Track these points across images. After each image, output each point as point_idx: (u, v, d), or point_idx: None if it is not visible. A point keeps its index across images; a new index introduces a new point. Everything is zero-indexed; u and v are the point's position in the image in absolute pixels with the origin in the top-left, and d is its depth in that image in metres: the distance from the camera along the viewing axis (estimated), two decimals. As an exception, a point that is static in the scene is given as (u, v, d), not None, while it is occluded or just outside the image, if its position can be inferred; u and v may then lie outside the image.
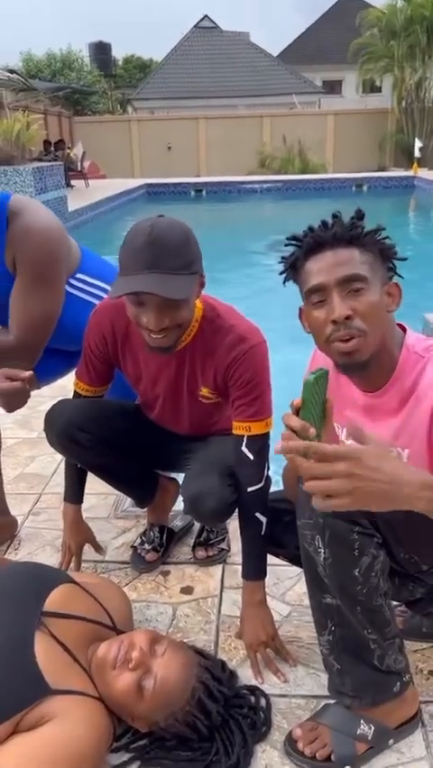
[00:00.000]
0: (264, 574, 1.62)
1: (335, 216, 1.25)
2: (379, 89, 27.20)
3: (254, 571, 1.62)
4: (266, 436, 1.59)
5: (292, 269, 1.29)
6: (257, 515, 1.57)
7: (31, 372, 1.59)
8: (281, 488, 1.53)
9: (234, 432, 1.59)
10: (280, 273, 1.32)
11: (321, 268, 1.21)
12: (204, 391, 1.67)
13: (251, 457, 1.57)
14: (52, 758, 1.17)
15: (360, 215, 1.24)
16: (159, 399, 1.76)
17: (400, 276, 1.28)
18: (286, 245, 1.30)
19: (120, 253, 1.40)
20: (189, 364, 1.63)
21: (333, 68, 30.80)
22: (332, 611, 1.27)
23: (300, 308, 1.30)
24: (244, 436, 1.57)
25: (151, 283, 1.34)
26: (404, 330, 1.30)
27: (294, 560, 1.53)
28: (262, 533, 1.58)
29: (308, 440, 1.16)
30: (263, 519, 1.57)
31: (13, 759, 1.16)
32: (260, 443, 1.58)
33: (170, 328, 1.43)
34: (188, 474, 1.70)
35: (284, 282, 1.34)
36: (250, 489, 1.57)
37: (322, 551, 1.20)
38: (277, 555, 1.62)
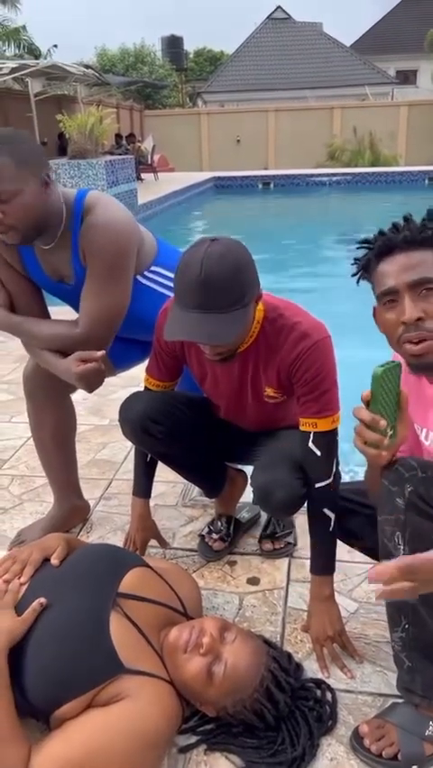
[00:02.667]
0: (333, 570, 1.62)
1: (406, 219, 1.26)
2: (456, 79, 26.35)
3: (323, 567, 1.62)
4: (333, 432, 1.59)
5: (365, 270, 1.31)
6: (325, 510, 1.57)
7: (103, 352, 1.65)
8: (360, 478, 1.52)
9: (301, 428, 1.59)
10: (353, 275, 1.34)
11: (393, 270, 1.23)
12: (269, 391, 1.68)
13: (318, 453, 1.57)
14: (124, 734, 1.21)
15: (431, 216, 1.25)
16: (224, 400, 1.78)
17: None
18: (358, 248, 1.32)
19: (174, 280, 1.43)
20: (253, 366, 1.65)
21: (408, 57, 30.03)
22: (407, 609, 1.26)
23: (374, 308, 1.32)
24: (310, 433, 1.58)
25: (200, 331, 1.38)
26: None
27: (370, 551, 1.53)
28: (331, 528, 1.58)
29: (380, 432, 1.16)
30: (332, 515, 1.57)
31: (87, 731, 1.21)
32: (327, 440, 1.58)
33: (224, 352, 1.51)
34: (258, 465, 1.72)
35: (357, 282, 1.36)
36: (318, 485, 1.57)
37: (402, 548, 1.19)
38: (352, 546, 1.62)
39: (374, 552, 1.36)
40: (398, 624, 1.30)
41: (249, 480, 1.82)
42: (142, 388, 1.86)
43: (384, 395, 1.16)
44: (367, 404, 1.16)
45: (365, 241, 1.30)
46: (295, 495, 1.58)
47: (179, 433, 1.75)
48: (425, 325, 1.19)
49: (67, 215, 1.69)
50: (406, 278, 1.20)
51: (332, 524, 1.57)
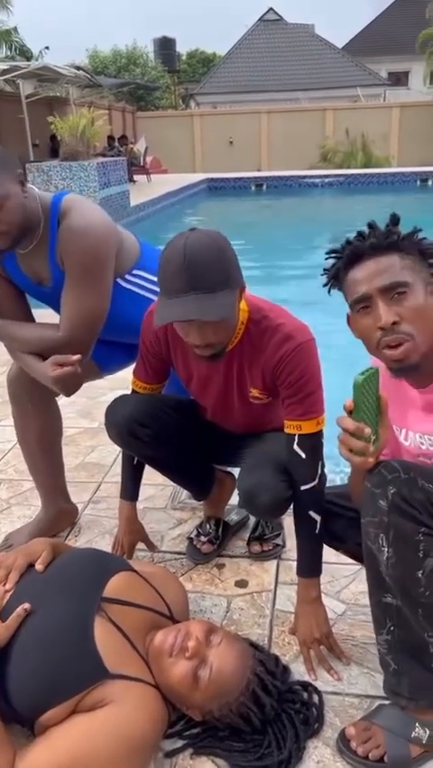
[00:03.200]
0: (319, 572, 1.62)
1: (370, 226, 1.27)
2: (448, 81, 26.42)
3: (309, 569, 1.62)
4: (318, 435, 1.59)
5: (335, 279, 1.33)
6: (311, 513, 1.57)
7: (79, 356, 1.64)
8: (344, 482, 1.52)
9: (286, 431, 1.60)
10: (324, 285, 1.35)
11: (363, 277, 1.24)
12: (254, 392, 1.68)
13: (303, 455, 1.57)
14: (109, 739, 1.21)
15: (395, 221, 1.27)
16: (210, 401, 1.78)
17: None
18: (326, 258, 1.33)
19: (158, 274, 1.43)
20: (238, 366, 1.65)
21: (399, 59, 30.14)
22: (392, 611, 1.26)
23: (348, 315, 1.33)
24: (295, 435, 1.57)
25: (190, 308, 1.36)
26: None
27: (355, 555, 1.53)
28: (317, 531, 1.58)
29: (364, 439, 1.17)
30: (317, 518, 1.57)
31: (72, 737, 1.21)
32: (312, 442, 1.58)
33: (215, 343, 1.47)
34: (244, 468, 1.72)
35: (329, 292, 1.37)
36: (303, 488, 1.57)
37: (385, 550, 1.19)
38: (337, 549, 1.62)
39: (359, 555, 1.36)
40: (383, 626, 1.29)
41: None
42: (130, 391, 1.86)
43: (366, 402, 1.17)
44: (350, 413, 1.17)
45: (333, 251, 1.32)
46: (280, 498, 1.58)
47: (166, 435, 1.75)
48: (401, 329, 1.21)
49: (44, 218, 1.69)
50: (377, 284, 1.22)
51: (318, 526, 1.57)
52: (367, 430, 1.16)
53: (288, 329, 1.56)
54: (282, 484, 1.58)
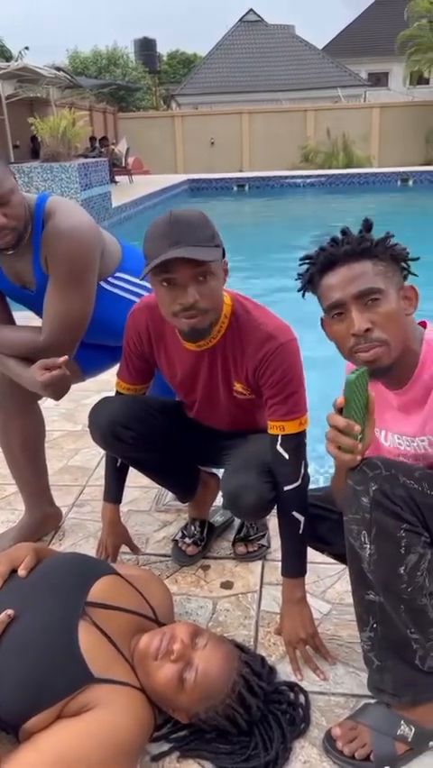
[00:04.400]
0: (304, 572, 1.62)
1: (344, 232, 1.29)
2: (427, 81, 26.65)
3: (294, 569, 1.62)
4: (301, 435, 1.59)
5: (309, 284, 1.34)
6: (294, 513, 1.58)
7: (65, 357, 1.63)
8: (327, 484, 1.53)
9: (270, 431, 1.60)
10: (298, 290, 1.37)
11: (337, 284, 1.26)
12: (237, 386, 1.68)
13: (286, 456, 1.57)
14: (95, 743, 1.20)
15: (368, 227, 1.29)
16: (196, 398, 1.77)
17: (414, 275, 1.32)
18: (300, 264, 1.34)
19: (144, 247, 1.45)
20: (222, 360, 1.65)
21: (379, 60, 30.30)
22: (374, 608, 1.27)
23: (322, 319, 1.35)
24: (278, 436, 1.58)
25: (177, 252, 1.37)
26: (424, 326, 1.34)
27: (339, 557, 1.53)
28: (301, 531, 1.58)
29: (353, 437, 1.18)
30: (301, 518, 1.57)
31: (57, 743, 1.19)
32: (295, 442, 1.58)
33: (201, 309, 1.45)
34: (228, 470, 1.72)
35: (303, 296, 1.39)
36: (287, 488, 1.57)
37: (368, 546, 1.20)
38: (322, 552, 1.63)
39: (343, 557, 1.37)
40: (366, 624, 1.30)
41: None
42: (114, 393, 1.85)
43: (356, 400, 1.18)
44: (340, 410, 1.18)
45: (307, 257, 1.33)
46: (264, 499, 1.58)
47: (149, 437, 1.74)
48: (373, 336, 1.23)
49: (29, 220, 1.68)
50: (351, 291, 1.23)
51: (302, 526, 1.57)
52: (357, 427, 1.18)
53: (270, 328, 1.57)
54: (266, 485, 1.58)
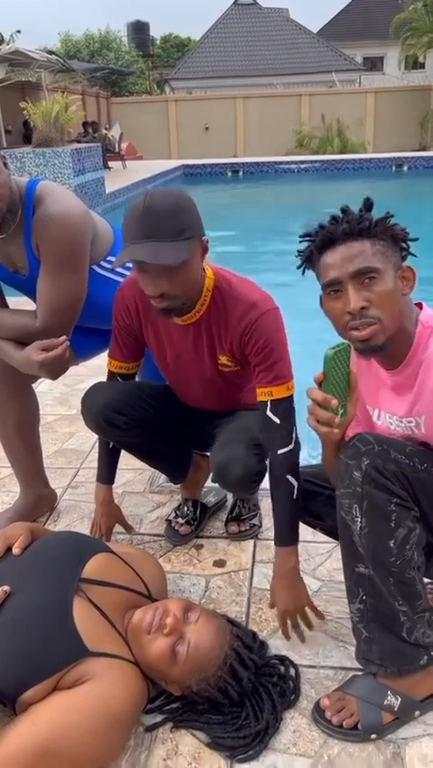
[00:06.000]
0: (297, 539, 1.60)
1: (344, 210, 1.29)
2: (422, 66, 26.54)
3: (287, 537, 1.59)
4: (290, 399, 1.62)
5: (308, 261, 1.35)
6: (288, 477, 1.58)
7: (64, 337, 1.65)
8: (318, 461, 1.55)
9: (259, 399, 1.63)
10: (298, 267, 1.38)
11: (335, 262, 1.27)
12: (222, 359, 1.71)
13: (277, 421, 1.60)
14: (89, 714, 1.23)
15: (368, 206, 1.29)
16: (183, 374, 1.80)
17: (413, 255, 1.33)
18: (300, 241, 1.35)
19: (122, 225, 1.48)
20: (207, 333, 1.68)
21: (374, 44, 30.10)
22: (364, 581, 1.30)
23: (320, 296, 1.36)
24: (267, 401, 1.61)
25: (142, 252, 1.40)
26: (421, 307, 1.35)
27: (331, 533, 1.56)
28: (294, 496, 1.57)
29: (332, 411, 1.21)
30: (295, 482, 1.57)
31: (53, 712, 1.23)
32: (284, 406, 1.61)
33: (170, 295, 1.49)
34: (216, 445, 1.74)
35: (303, 273, 1.40)
36: (281, 452, 1.59)
37: (358, 520, 1.23)
38: (315, 527, 1.65)
39: (335, 532, 1.40)
40: (356, 596, 1.34)
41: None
42: (106, 373, 1.87)
43: (335, 375, 1.21)
44: (320, 385, 1.21)
45: (306, 234, 1.34)
46: (251, 471, 1.62)
47: (142, 422, 1.77)
48: (369, 313, 1.24)
49: (18, 203, 1.69)
50: (348, 269, 1.24)
51: (295, 491, 1.57)
52: (334, 401, 1.21)
53: (253, 297, 1.62)
54: (254, 457, 1.62)
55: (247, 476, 1.62)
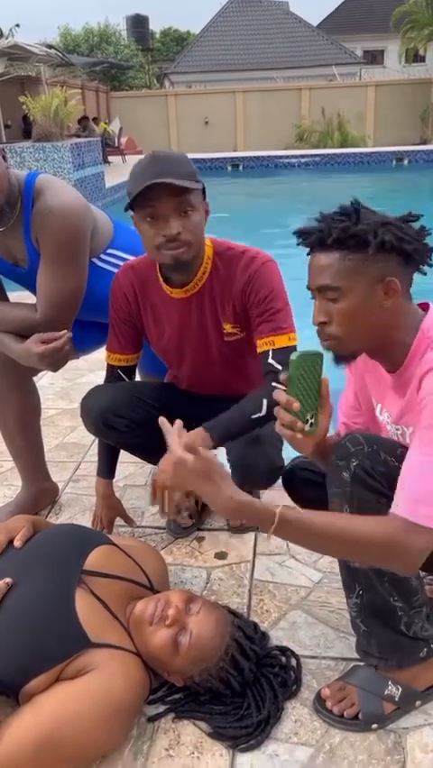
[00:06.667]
0: (219, 436, 1.58)
1: (319, 219, 1.22)
2: (422, 59, 26.41)
3: (214, 424, 1.57)
4: (292, 349, 1.62)
5: None
6: (264, 399, 1.55)
7: (65, 331, 1.66)
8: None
9: (259, 350, 1.64)
10: (307, 255, 1.32)
11: (310, 270, 1.25)
12: (227, 327, 1.71)
13: (280, 368, 1.59)
14: (91, 704, 1.24)
15: (349, 212, 1.20)
16: (186, 354, 1.79)
17: (422, 273, 1.24)
18: (297, 244, 1.30)
19: (128, 188, 1.51)
20: (210, 302, 1.69)
21: (374, 37, 29.97)
22: (360, 575, 1.31)
23: None
24: (269, 351, 1.62)
25: (160, 178, 1.44)
26: (426, 308, 1.28)
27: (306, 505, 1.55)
28: (254, 417, 1.57)
29: (294, 414, 1.20)
30: (265, 410, 1.56)
31: (56, 702, 1.24)
32: (286, 355, 1.54)
33: (184, 240, 1.52)
34: (237, 441, 1.69)
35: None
36: (274, 383, 1.54)
37: None
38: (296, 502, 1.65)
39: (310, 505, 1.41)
40: (352, 591, 1.34)
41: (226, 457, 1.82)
42: (106, 367, 1.87)
43: (301, 381, 1.20)
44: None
45: (298, 233, 1.27)
46: (275, 464, 1.68)
47: (142, 423, 1.76)
48: (327, 330, 1.22)
49: (17, 195, 1.69)
50: (315, 282, 1.22)
51: (260, 416, 1.56)
52: (296, 405, 1.19)
53: (251, 252, 1.67)
54: (277, 452, 1.67)
55: (273, 471, 1.67)
